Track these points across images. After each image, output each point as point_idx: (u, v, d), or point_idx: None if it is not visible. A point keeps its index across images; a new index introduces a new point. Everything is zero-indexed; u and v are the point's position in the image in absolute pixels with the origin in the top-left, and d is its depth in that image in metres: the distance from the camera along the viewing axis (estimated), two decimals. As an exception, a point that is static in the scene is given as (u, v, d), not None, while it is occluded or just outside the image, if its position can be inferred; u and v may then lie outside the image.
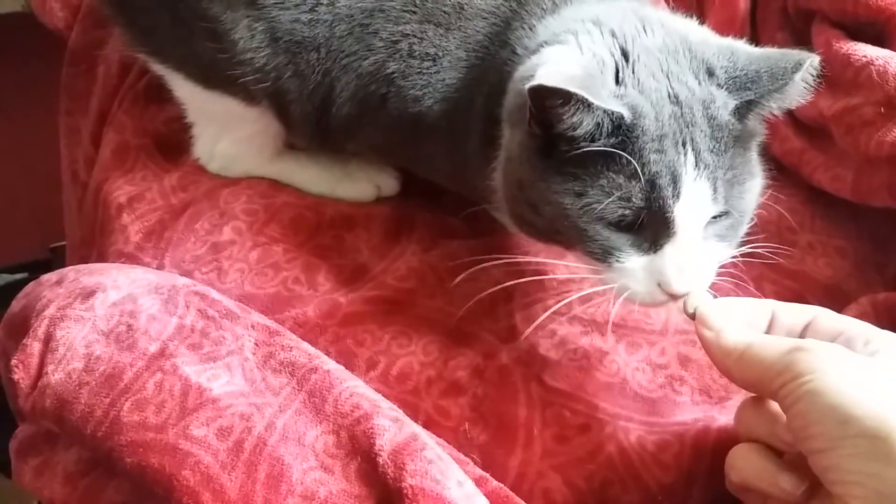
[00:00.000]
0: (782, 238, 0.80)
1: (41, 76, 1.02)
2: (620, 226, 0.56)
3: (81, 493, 0.56)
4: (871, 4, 0.81)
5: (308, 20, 0.69)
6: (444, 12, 0.67)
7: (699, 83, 0.56)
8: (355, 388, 0.57)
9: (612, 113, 0.53)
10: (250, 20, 0.70)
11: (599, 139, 0.54)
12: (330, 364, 0.59)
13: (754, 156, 0.61)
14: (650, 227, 0.56)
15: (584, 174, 0.55)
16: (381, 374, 0.64)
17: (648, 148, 0.54)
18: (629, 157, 0.53)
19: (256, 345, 0.60)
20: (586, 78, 0.54)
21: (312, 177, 0.82)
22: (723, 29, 0.92)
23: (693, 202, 0.55)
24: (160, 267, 0.73)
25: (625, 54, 0.57)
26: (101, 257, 0.76)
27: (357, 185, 0.81)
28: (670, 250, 0.56)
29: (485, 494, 0.54)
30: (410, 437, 0.53)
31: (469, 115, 0.67)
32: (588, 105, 0.52)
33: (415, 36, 0.68)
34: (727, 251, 0.60)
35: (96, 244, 0.79)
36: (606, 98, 0.53)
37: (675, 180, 0.54)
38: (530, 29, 0.65)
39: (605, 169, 0.54)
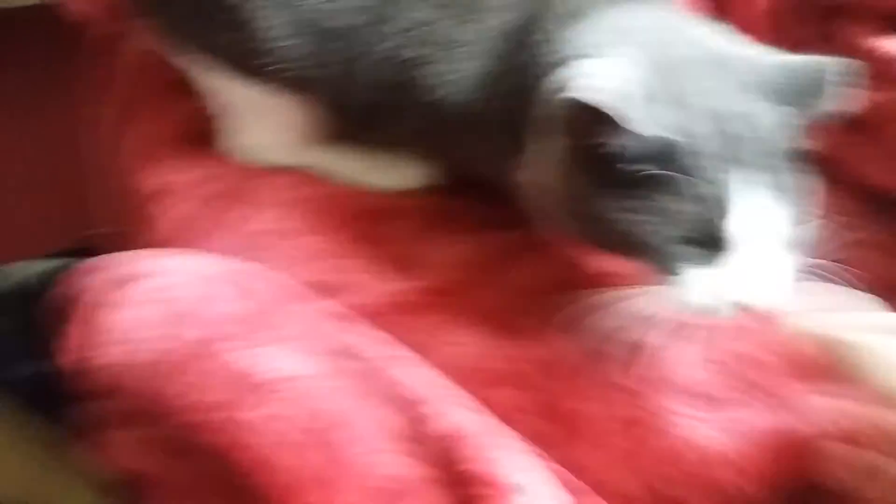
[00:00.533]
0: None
1: (68, 67, 1.00)
2: (679, 241, 0.55)
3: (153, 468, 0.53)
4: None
5: (329, 9, 0.69)
6: (460, 3, 0.66)
7: (738, 97, 0.56)
8: (419, 374, 0.54)
9: (653, 137, 0.52)
10: (272, 9, 0.69)
11: (642, 161, 0.53)
12: (392, 349, 0.56)
13: (798, 163, 0.59)
14: (710, 242, 0.55)
15: (634, 193, 0.54)
16: (433, 365, 0.61)
17: (694, 166, 0.53)
18: (675, 177, 0.53)
19: (312, 327, 0.57)
20: (625, 97, 0.52)
21: (345, 165, 0.80)
22: (744, 27, 0.93)
23: (748, 215, 0.54)
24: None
25: (662, 69, 0.56)
26: (133, 246, 0.73)
27: (390, 173, 0.79)
28: (735, 264, 0.55)
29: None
30: (478, 424, 0.50)
31: (486, 111, 0.66)
32: (627, 128, 0.51)
33: (427, 24, 0.67)
34: (800, 257, 0.58)
35: (125, 234, 0.76)
36: (646, 120, 0.52)
37: (725, 195, 0.54)
38: (553, 34, 0.63)
39: (654, 189, 0.54)
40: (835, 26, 0.87)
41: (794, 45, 0.89)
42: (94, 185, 0.91)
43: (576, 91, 0.51)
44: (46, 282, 0.65)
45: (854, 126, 0.82)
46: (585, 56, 0.57)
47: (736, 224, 0.54)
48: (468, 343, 0.63)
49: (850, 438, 0.56)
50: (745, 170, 0.54)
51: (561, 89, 0.52)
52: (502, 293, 0.68)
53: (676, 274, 0.55)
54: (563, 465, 0.55)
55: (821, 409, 0.59)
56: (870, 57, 0.80)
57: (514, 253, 0.71)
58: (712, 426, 0.60)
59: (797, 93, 0.56)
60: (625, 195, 0.54)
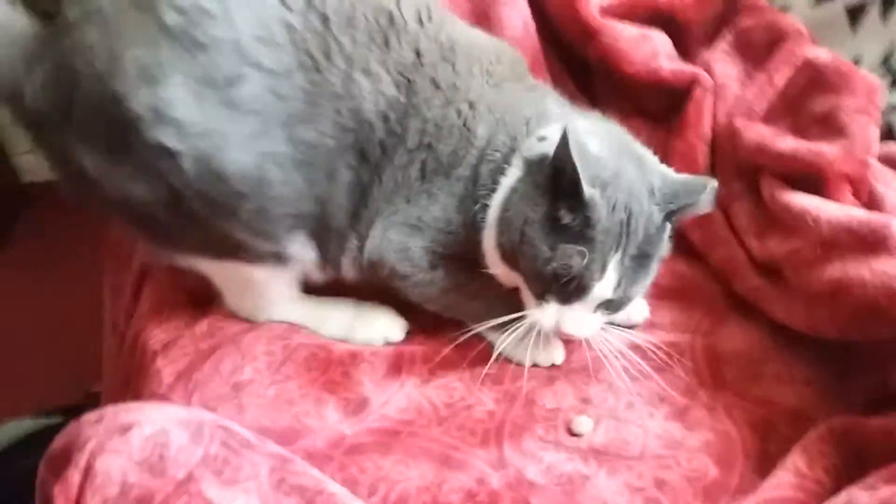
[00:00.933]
0: (752, 369, 0.88)
1: (81, 232, 1.12)
2: (559, 279, 0.77)
3: None
4: (805, 160, 0.94)
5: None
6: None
7: (646, 201, 0.79)
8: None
9: (589, 204, 0.75)
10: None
11: (575, 207, 0.76)
12: (334, 487, 0.66)
13: (658, 259, 0.83)
14: (574, 289, 0.78)
15: (561, 236, 0.77)
16: (381, 499, 0.71)
17: (598, 239, 0.76)
18: (584, 243, 0.76)
19: (271, 470, 0.68)
20: (595, 163, 0.77)
21: (327, 323, 0.93)
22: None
23: (603, 287, 0.78)
24: (189, 405, 0.82)
25: (618, 173, 0.78)
26: (137, 398, 0.85)
27: (366, 334, 0.92)
28: (575, 307, 0.80)
29: None
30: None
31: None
32: (575, 170, 0.74)
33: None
34: (607, 318, 0.83)
35: (132, 387, 0.89)
36: (589, 181, 0.75)
37: (603, 268, 0.77)
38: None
39: (572, 241, 0.76)
40: (761, 182, 0.99)
41: (730, 197, 1.02)
42: (105, 343, 1.04)
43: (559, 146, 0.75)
44: (38, 440, 0.73)
45: (767, 271, 0.94)
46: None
47: (597, 289, 0.78)
48: (412, 478, 0.73)
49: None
50: (625, 256, 0.78)
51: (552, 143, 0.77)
52: (447, 430, 0.79)
53: (543, 302, 0.80)
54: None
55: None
56: (785, 210, 0.92)
57: (456, 395, 0.82)
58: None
59: (680, 199, 0.80)
60: (553, 231, 0.77)
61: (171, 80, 0.76)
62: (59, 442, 0.75)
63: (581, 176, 0.73)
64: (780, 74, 1.07)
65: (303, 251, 0.87)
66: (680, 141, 1.08)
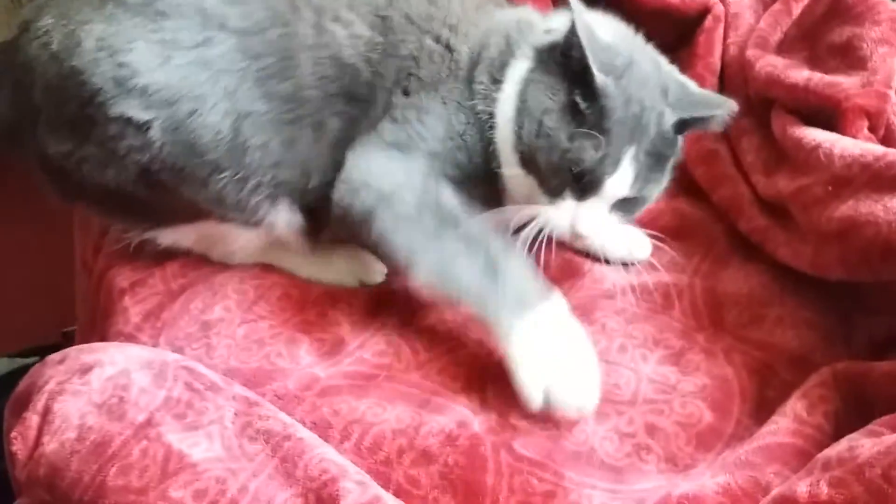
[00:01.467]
0: (753, 311, 0.83)
1: None
2: (574, 174, 0.75)
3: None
4: (819, 92, 0.88)
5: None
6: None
7: (659, 99, 0.77)
8: (325, 454, 0.60)
9: (602, 92, 0.74)
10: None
11: (590, 96, 0.74)
12: (303, 432, 0.63)
13: (670, 167, 0.82)
14: (588, 185, 0.76)
15: (577, 127, 0.75)
16: (354, 444, 0.67)
17: (612, 131, 0.74)
18: (600, 133, 0.74)
19: (236, 414, 0.64)
20: (608, 49, 0.76)
21: (302, 264, 0.88)
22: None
23: (618, 181, 0.76)
24: (156, 345, 0.78)
25: (632, 62, 0.77)
26: (103, 338, 0.81)
27: (344, 275, 0.87)
28: (589, 204, 0.77)
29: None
30: (373, 499, 0.56)
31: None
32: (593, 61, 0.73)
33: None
34: (622, 219, 0.81)
35: (98, 327, 0.85)
36: (601, 67, 0.73)
37: (616, 162, 0.75)
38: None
39: (587, 132, 0.74)
40: (772, 116, 0.93)
41: (738, 132, 0.97)
42: (77, 282, 1.00)
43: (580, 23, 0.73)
44: (13, 381, 0.72)
45: (773, 211, 0.88)
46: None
47: (610, 182, 0.76)
48: (388, 420, 0.69)
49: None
50: (639, 151, 0.76)
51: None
52: (427, 374, 0.74)
53: (557, 199, 0.77)
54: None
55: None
56: (796, 145, 0.86)
57: (438, 338, 0.78)
58: (599, 489, 0.65)
59: (696, 108, 0.80)
60: (573, 120, 0.75)
61: (132, 47, 0.73)
62: (23, 384, 0.72)
63: (591, 61, 0.72)
64: (798, 2, 1.01)
65: (289, 220, 0.83)
66: (688, 73, 1.01)
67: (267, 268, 0.87)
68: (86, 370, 0.68)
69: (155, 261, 0.89)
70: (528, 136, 0.76)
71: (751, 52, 0.99)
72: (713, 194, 0.96)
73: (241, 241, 0.85)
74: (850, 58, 0.91)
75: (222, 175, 0.76)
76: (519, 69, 0.79)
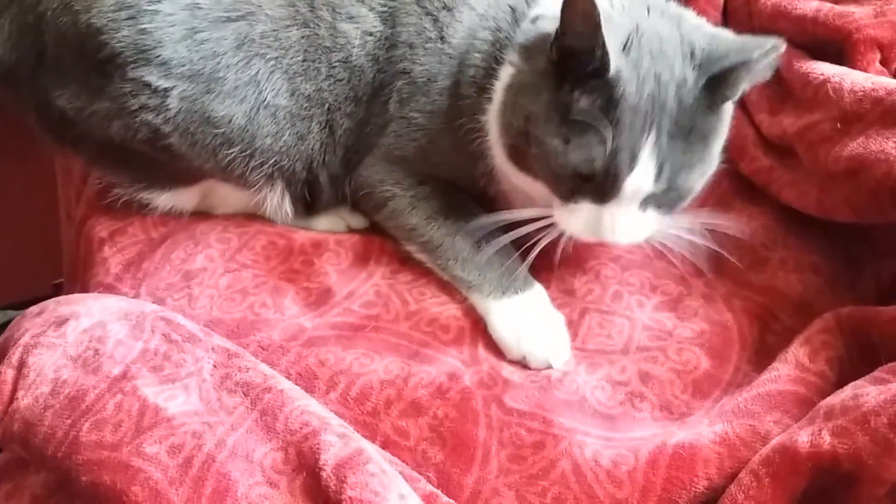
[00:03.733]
0: (755, 255, 0.80)
1: None
2: (584, 176, 0.66)
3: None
4: (828, 24, 0.83)
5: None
6: None
7: (679, 63, 0.65)
8: (306, 407, 0.58)
9: (606, 53, 0.62)
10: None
11: (591, 83, 0.63)
12: (284, 384, 0.60)
13: (714, 146, 0.69)
14: (605, 185, 0.66)
15: (574, 126, 0.64)
16: (340, 394, 0.65)
17: (623, 121, 0.64)
18: (606, 124, 0.63)
19: (215, 366, 0.62)
20: (608, 20, 0.62)
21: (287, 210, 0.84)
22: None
23: (640, 177, 0.65)
24: (136, 296, 0.75)
25: (637, 29, 0.66)
26: (84, 289, 0.79)
27: (329, 219, 0.85)
28: (612, 207, 0.67)
29: (434, 511, 0.55)
30: (355, 452, 0.54)
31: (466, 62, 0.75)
32: (596, 28, 0.60)
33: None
34: (664, 218, 0.70)
35: (79, 277, 0.83)
36: (613, 45, 0.62)
37: (633, 156, 0.64)
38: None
39: (587, 128, 0.64)
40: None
41: None
42: (63, 232, 0.98)
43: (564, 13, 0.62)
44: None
45: (777, 151, 0.85)
46: None
47: (630, 179, 0.65)
48: (376, 370, 0.67)
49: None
50: (661, 136, 0.64)
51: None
52: (416, 325, 0.72)
53: (571, 203, 0.68)
54: (445, 487, 0.58)
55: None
56: (803, 80, 0.82)
57: (428, 290, 0.75)
58: (593, 437, 0.63)
59: (727, 59, 0.65)
60: (568, 125, 0.64)
61: (156, 9, 0.70)
62: (1, 337, 0.70)
63: (606, 40, 0.61)
64: (808, -72, 0.94)
65: (278, 203, 0.82)
66: (691, 7, 0.96)
67: (251, 216, 0.84)
68: (61, 322, 0.66)
69: (135, 209, 0.86)
70: (517, 148, 0.69)
71: (756, -16, 0.93)
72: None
73: (233, 199, 0.84)
74: (862, -14, 0.86)
75: (231, 150, 0.76)
76: (504, 75, 0.71)
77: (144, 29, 0.70)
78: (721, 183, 0.88)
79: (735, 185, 0.88)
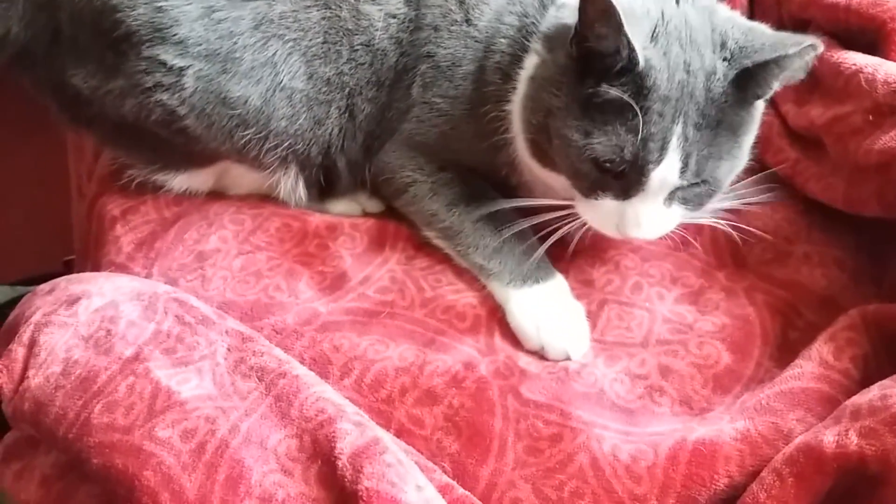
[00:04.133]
0: (778, 248, 0.79)
1: None
2: (606, 169, 0.64)
3: (55, 497, 0.58)
4: (861, 12, 0.80)
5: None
6: None
7: (708, 53, 0.63)
8: (322, 393, 0.57)
9: (633, 51, 0.59)
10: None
11: (618, 77, 0.61)
12: (300, 369, 0.59)
13: (744, 142, 0.67)
14: (629, 178, 0.64)
15: (597, 118, 0.62)
16: (355, 381, 0.64)
17: (653, 109, 0.61)
18: (636, 112, 0.61)
19: (229, 350, 0.61)
20: (630, 14, 0.60)
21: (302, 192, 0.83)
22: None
23: (667, 170, 0.63)
24: (149, 276, 0.74)
25: (663, 16, 0.64)
26: (95, 268, 0.78)
27: (345, 203, 0.84)
28: (636, 202, 0.65)
29: (450, 502, 0.54)
30: (371, 441, 0.53)
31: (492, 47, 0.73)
32: (619, 29, 0.58)
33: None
34: (691, 213, 0.68)
35: (90, 256, 0.82)
36: (638, 39, 0.60)
37: (663, 147, 0.62)
38: None
39: (614, 119, 0.62)
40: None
41: None
42: (74, 209, 0.97)
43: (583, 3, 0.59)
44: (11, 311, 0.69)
45: (803, 142, 0.83)
46: None
47: (657, 172, 0.63)
48: (391, 357, 0.66)
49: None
50: (687, 126, 0.62)
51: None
52: (432, 313, 0.71)
53: (594, 198, 0.66)
54: (460, 478, 0.58)
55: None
56: (834, 70, 0.80)
57: (445, 276, 0.74)
58: (612, 430, 0.62)
59: (760, 53, 0.63)
60: (591, 117, 0.63)
61: None
62: (12, 314, 0.69)
63: (631, 37, 0.59)
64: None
65: (292, 187, 0.81)
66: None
67: (265, 197, 0.83)
68: (73, 301, 0.65)
69: (148, 189, 0.84)
70: (538, 144, 0.68)
71: (786, -30, 0.91)
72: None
73: (248, 180, 0.83)
74: (898, -27, 0.83)
75: (246, 132, 0.75)
76: (529, 64, 0.70)
77: (161, 7, 0.69)
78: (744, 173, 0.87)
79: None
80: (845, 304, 0.71)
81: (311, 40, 0.74)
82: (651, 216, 0.65)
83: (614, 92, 0.61)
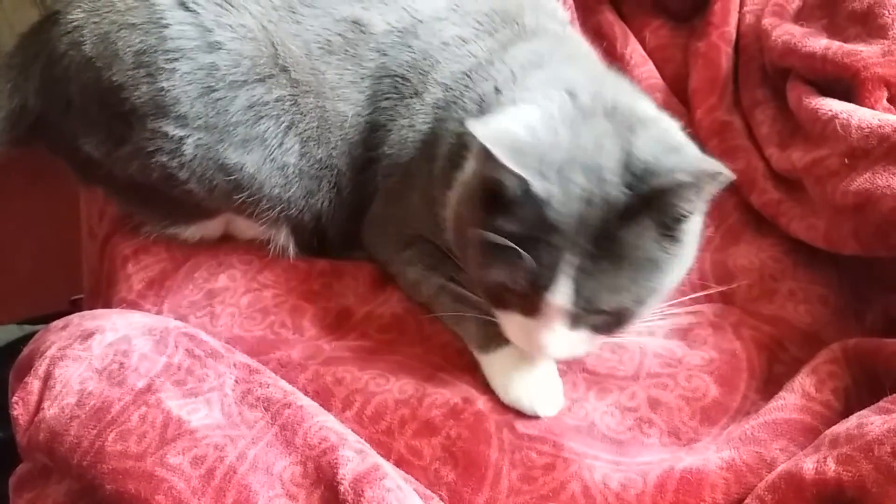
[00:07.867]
0: (764, 285, 0.82)
1: None
2: (510, 290, 0.63)
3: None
4: (837, 61, 0.85)
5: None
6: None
7: (614, 180, 0.61)
8: (325, 423, 0.60)
9: (527, 186, 0.59)
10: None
11: (516, 206, 0.60)
12: (304, 400, 0.62)
13: (653, 272, 0.63)
14: (529, 299, 0.63)
15: (498, 246, 0.61)
16: (356, 413, 0.67)
17: (544, 239, 0.60)
18: (524, 251, 0.60)
19: (236, 381, 0.64)
20: (525, 144, 0.60)
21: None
22: (706, 87, 0.98)
23: (560, 297, 0.61)
24: (159, 313, 0.78)
25: (572, 141, 0.62)
26: (106, 305, 0.81)
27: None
28: (541, 322, 0.64)
29: (447, 529, 0.56)
30: (372, 468, 0.55)
31: (436, 149, 0.76)
32: (514, 173, 0.58)
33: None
34: (605, 337, 0.67)
35: (102, 294, 0.85)
36: (532, 173, 0.59)
37: (552, 275, 0.60)
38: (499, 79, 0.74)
39: (511, 250, 0.60)
40: (787, 86, 0.91)
41: (752, 104, 0.94)
42: (84, 249, 1.00)
43: (479, 125, 0.60)
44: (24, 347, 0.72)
45: (786, 184, 0.86)
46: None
47: (551, 299, 0.61)
48: (391, 390, 0.69)
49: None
50: (582, 257, 0.60)
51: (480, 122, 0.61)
52: (431, 349, 0.74)
53: (504, 314, 0.66)
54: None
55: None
56: (812, 116, 0.84)
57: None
58: (602, 461, 0.64)
59: (658, 178, 0.60)
60: (489, 243, 0.61)
61: (174, 68, 0.73)
62: (26, 349, 0.73)
63: (517, 169, 0.58)
64: (819, -32, 0.97)
65: (283, 245, 0.84)
66: (703, 43, 1.00)
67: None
68: (87, 336, 0.68)
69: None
70: (459, 249, 0.70)
71: (767, 21, 0.96)
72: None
73: (251, 231, 0.87)
74: (870, 25, 0.88)
75: (241, 194, 0.78)
76: (468, 168, 0.69)
77: (162, 88, 0.73)
78: (731, 215, 0.90)
79: (745, 217, 0.89)
80: (828, 340, 0.73)
81: (307, 123, 0.78)
82: (557, 338, 0.64)
83: (508, 226, 0.60)
